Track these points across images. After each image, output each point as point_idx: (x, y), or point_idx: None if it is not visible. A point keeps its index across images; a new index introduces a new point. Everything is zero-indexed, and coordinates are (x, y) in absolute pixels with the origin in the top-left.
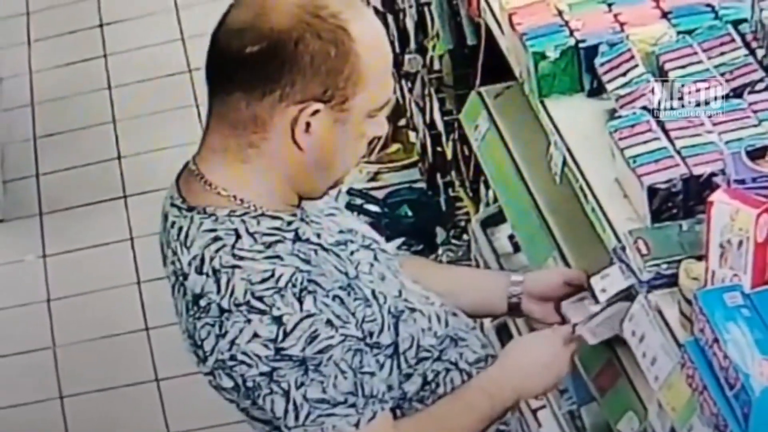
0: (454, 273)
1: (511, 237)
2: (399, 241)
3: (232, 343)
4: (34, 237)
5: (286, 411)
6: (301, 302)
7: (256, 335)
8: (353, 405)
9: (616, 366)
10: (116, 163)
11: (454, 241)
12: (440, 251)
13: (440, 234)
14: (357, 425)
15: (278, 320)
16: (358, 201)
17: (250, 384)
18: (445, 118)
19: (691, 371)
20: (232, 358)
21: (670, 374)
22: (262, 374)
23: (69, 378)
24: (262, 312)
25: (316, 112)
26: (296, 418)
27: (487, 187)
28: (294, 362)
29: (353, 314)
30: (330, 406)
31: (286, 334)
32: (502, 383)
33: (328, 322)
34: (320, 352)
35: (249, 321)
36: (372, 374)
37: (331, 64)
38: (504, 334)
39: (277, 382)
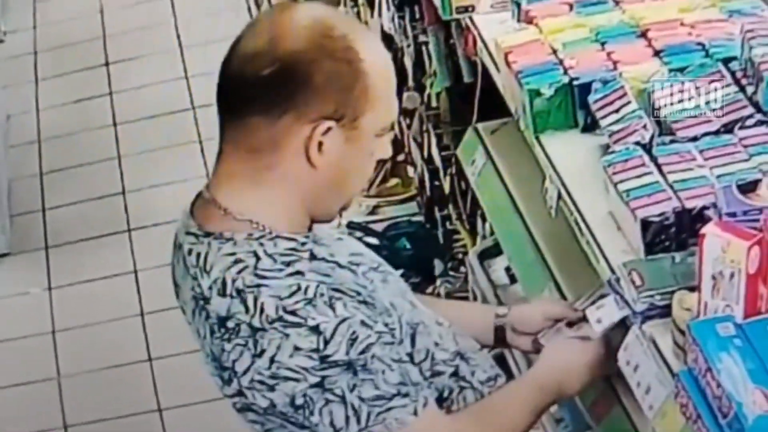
0: (445, 306)
1: (507, 269)
2: (398, 273)
3: (272, 360)
4: (40, 270)
5: (347, 417)
6: (333, 308)
7: (297, 348)
8: (406, 394)
9: (611, 395)
10: (121, 198)
11: (451, 273)
12: (438, 283)
13: (438, 266)
14: (416, 413)
15: (316, 329)
16: (358, 234)
17: (300, 401)
18: (443, 153)
19: (684, 400)
20: (274, 376)
21: (664, 403)
22: (312, 386)
23: (73, 408)
24: (297, 325)
25: (328, 130)
26: (358, 421)
27: (484, 220)
28: (341, 367)
29: (377, 321)
30: (386, 400)
31: (327, 342)
32: (552, 376)
33: (362, 322)
34: (363, 351)
35: (287, 336)
36: (408, 364)
37: (343, 82)
38: (501, 364)
39: (330, 391)
